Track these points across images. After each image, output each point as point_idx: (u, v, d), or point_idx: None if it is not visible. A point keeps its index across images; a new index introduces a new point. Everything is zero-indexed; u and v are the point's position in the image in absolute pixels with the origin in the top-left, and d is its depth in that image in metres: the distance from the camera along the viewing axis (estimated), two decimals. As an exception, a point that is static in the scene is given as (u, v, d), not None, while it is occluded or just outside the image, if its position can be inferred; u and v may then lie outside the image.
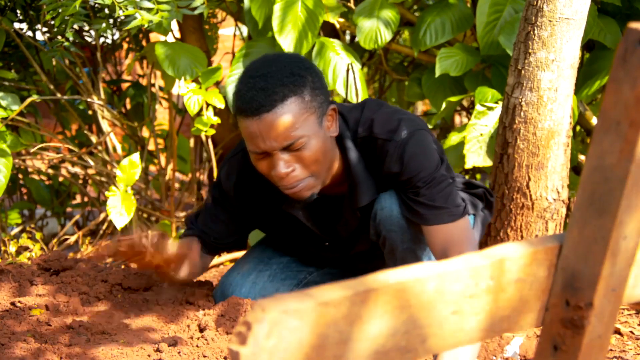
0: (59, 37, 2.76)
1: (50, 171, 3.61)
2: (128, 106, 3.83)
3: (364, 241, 2.00)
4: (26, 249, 2.92)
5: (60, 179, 3.69)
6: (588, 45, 2.74)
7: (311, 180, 1.76)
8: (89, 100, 3.06)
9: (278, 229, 2.11)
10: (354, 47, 2.96)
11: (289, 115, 1.68)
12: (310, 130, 1.71)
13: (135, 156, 2.53)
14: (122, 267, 2.45)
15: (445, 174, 1.85)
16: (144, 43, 3.70)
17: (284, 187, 1.76)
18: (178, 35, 3.36)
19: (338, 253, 2.10)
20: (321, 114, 1.74)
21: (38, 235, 2.93)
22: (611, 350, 1.97)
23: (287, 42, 2.57)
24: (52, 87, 3.12)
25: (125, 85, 3.95)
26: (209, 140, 3.19)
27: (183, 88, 2.55)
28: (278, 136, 1.68)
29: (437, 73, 2.59)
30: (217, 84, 2.90)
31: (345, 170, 1.85)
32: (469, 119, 2.44)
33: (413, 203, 1.82)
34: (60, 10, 2.43)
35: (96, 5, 3.15)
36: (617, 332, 2.09)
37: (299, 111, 1.69)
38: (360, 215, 1.92)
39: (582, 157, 2.67)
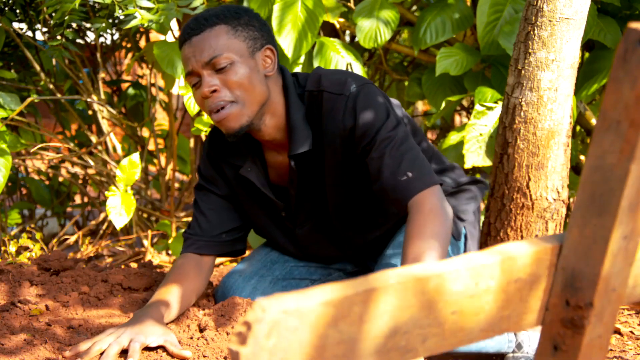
0: (58, 36, 2.76)
1: (50, 171, 3.61)
2: (128, 106, 3.83)
3: (315, 214, 2.01)
4: (26, 249, 2.92)
5: (60, 179, 3.70)
6: (588, 45, 2.74)
7: (236, 108, 1.80)
8: (88, 100, 3.06)
9: (252, 210, 2.08)
10: (354, 47, 2.96)
11: (215, 36, 1.79)
12: (237, 54, 1.79)
13: (135, 156, 2.53)
14: (122, 267, 2.45)
15: (406, 133, 1.84)
16: (142, 43, 3.70)
17: (210, 109, 1.82)
18: (178, 35, 3.36)
19: (294, 227, 2.06)
20: (253, 47, 1.83)
21: (38, 235, 2.93)
22: (611, 350, 1.97)
23: (286, 42, 2.58)
24: (52, 87, 3.12)
25: (125, 85, 3.96)
26: (209, 140, 3.18)
27: (181, 86, 2.55)
28: (202, 51, 1.79)
29: (437, 72, 2.59)
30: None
31: (287, 121, 1.89)
32: (469, 119, 2.44)
33: (380, 173, 1.80)
34: (58, 8, 2.43)
35: (95, 4, 3.15)
36: (617, 332, 2.09)
37: (226, 35, 1.80)
38: (298, 169, 1.92)
39: (582, 157, 2.67)
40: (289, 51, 2.58)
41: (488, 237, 2.28)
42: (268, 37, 1.87)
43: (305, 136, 1.87)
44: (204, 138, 3.27)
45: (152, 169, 4.60)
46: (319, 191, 1.97)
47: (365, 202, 1.98)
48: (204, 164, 2.07)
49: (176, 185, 4.24)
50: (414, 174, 1.78)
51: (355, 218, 2.02)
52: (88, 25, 3.32)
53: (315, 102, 1.87)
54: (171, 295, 1.87)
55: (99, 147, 3.23)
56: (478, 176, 3.84)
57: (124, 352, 1.66)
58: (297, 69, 2.71)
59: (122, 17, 3.15)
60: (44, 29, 3.17)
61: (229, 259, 3.02)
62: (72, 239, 3.28)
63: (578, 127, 2.86)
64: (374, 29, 2.68)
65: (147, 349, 1.71)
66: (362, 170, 1.89)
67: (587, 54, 2.75)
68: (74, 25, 3.37)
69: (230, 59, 1.78)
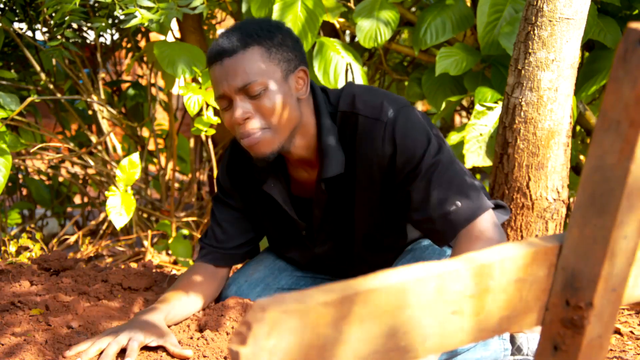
0: (58, 36, 2.77)
1: (50, 171, 3.61)
2: (128, 106, 3.83)
3: (335, 234, 1.98)
4: (26, 249, 2.92)
5: (60, 179, 3.70)
6: (588, 45, 2.74)
7: (269, 134, 1.74)
8: (88, 100, 3.06)
9: (269, 224, 2.07)
10: (354, 47, 2.96)
11: (249, 60, 1.70)
12: (270, 79, 1.71)
13: (135, 156, 2.53)
14: (122, 267, 2.45)
15: (450, 155, 1.77)
16: (142, 43, 3.70)
17: (241, 136, 1.75)
18: (178, 35, 3.36)
19: (314, 246, 2.03)
20: (287, 69, 1.75)
21: (38, 235, 2.93)
22: (611, 350, 1.97)
23: (287, 42, 2.57)
24: (52, 87, 3.12)
25: (125, 85, 3.96)
26: (209, 140, 3.20)
27: (181, 86, 2.55)
28: (236, 76, 1.70)
29: (437, 72, 2.59)
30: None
31: (318, 142, 1.82)
32: (469, 119, 2.44)
33: (426, 202, 1.73)
34: (58, 8, 2.43)
35: (95, 4, 3.15)
36: (617, 332, 2.10)
37: (260, 58, 1.71)
38: (327, 191, 1.87)
39: (582, 157, 2.67)
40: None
41: (488, 237, 2.28)
42: (301, 56, 1.79)
43: (338, 159, 1.81)
44: (204, 138, 3.27)
45: (152, 169, 4.60)
46: (345, 213, 1.92)
47: (395, 226, 1.94)
48: (222, 176, 2.03)
49: (176, 185, 4.24)
50: (463, 202, 1.71)
51: (381, 242, 1.96)
52: (88, 24, 3.32)
53: (349, 124, 1.80)
54: (177, 298, 1.86)
55: (99, 147, 3.23)
56: (478, 177, 3.84)
57: (124, 352, 1.66)
58: (297, 69, 2.71)
59: (122, 17, 3.15)
60: (44, 29, 3.17)
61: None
62: (72, 239, 3.28)
63: (578, 127, 2.86)
64: (374, 29, 2.68)
65: (147, 349, 1.71)
66: (400, 197, 1.82)
67: (587, 54, 2.75)
68: (74, 25, 3.37)
69: (264, 85, 1.70)
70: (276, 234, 2.09)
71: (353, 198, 1.88)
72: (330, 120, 1.81)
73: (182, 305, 1.86)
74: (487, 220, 1.72)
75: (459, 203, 1.71)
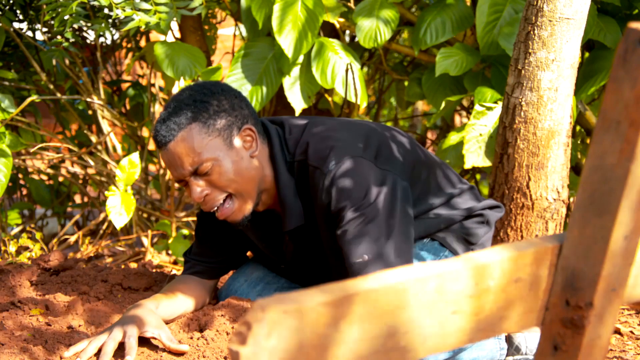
0: (58, 37, 2.77)
1: (50, 171, 3.61)
2: (128, 106, 3.83)
3: (314, 270, 1.97)
4: (26, 249, 2.92)
5: (60, 179, 3.70)
6: (588, 45, 2.74)
7: (236, 203, 1.76)
8: (88, 100, 3.06)
9: (252, 252, 2.09)
10: (353, 47, 2.96)
11: (189, 142, 1.72)
12: (216, 153, 1.73)
13: (135, 156, 2.53)
14: (122, 267, 2.45)
15: (383, 209, 1.70)
16: (143, 43, 3.70)
17: (207, 210, 1.78)
18: (178, 34, 3.37)
19: (296, 279, 2.04)
20: (230, 135, 1.75)
21: (38, 235, 2.93)
22: (611, 350, 1.97)
23: (286, 42, 2.58)
24: (52, 87, 3.12)
25: (125, 85, 3.96)
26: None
27: (181, 87, 2.55)
28: (183, 162, 1.72)
29: (437, 73, 2.59)
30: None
31: (278, 194, 1.83)
32: (469, 119, 2.44)
33: (340, 240, 1.72)
34: (59, 10, 2.43)
35: (95, 5, 3.15)
36: (617, 332, 2.10)
37: (200, 136, 1.72)
38: (293, 240, 1.88)
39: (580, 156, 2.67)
40: (289, 51, 2.58)
41: (488, 237, 2.28)
42: (241, 114, 1.77)
43: (297, 211, 1.81)
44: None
45: (152, 168, 4.60)
46: (318, 254, 1.91)
47: None
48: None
49: (176, 185, 4.24)
50: (370, 256, 1.68)
51: None
52: (89, 24, 3.32)
53: (305, 173, 1.79)
54: (164, 297, 1.87)
55: (99, 147, 3.23)
56: (478, 177, 3.84)
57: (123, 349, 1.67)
58: (296, 69, 2.71)
59: (121, 18, 3.15)
60: (44, 29, 3.17)
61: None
62: (72, 239, 3.28)
63: (578, 127, 2.86)
64: (373, 29, 2.68)
65: (147, 346, 1.71)
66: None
67: (587, 54, 2.75)
68: (75, 25, 3.38)
69: (211, 161, 1.72)
70: (260, 261, 2.11)
71: (320, 242, 1.87)
72: (288, 170, 1.81)
73: (169, 303, 1.86)
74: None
75: (366, 256, 1.69)
